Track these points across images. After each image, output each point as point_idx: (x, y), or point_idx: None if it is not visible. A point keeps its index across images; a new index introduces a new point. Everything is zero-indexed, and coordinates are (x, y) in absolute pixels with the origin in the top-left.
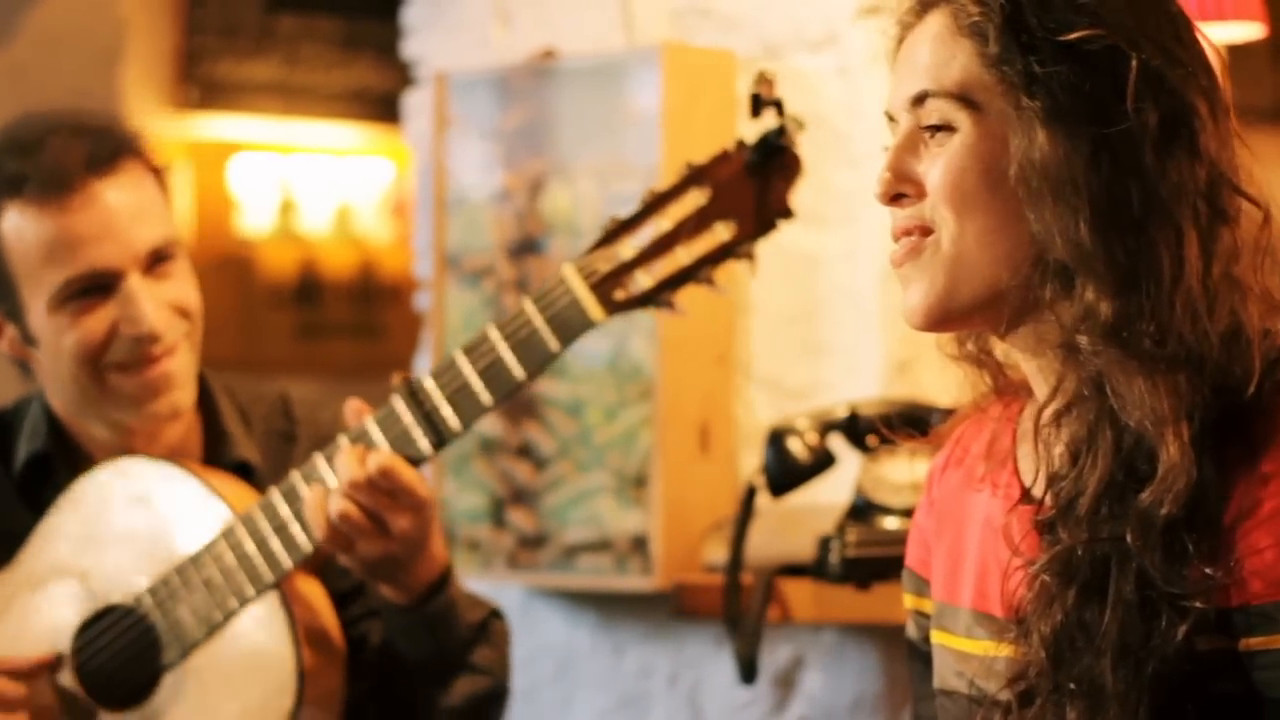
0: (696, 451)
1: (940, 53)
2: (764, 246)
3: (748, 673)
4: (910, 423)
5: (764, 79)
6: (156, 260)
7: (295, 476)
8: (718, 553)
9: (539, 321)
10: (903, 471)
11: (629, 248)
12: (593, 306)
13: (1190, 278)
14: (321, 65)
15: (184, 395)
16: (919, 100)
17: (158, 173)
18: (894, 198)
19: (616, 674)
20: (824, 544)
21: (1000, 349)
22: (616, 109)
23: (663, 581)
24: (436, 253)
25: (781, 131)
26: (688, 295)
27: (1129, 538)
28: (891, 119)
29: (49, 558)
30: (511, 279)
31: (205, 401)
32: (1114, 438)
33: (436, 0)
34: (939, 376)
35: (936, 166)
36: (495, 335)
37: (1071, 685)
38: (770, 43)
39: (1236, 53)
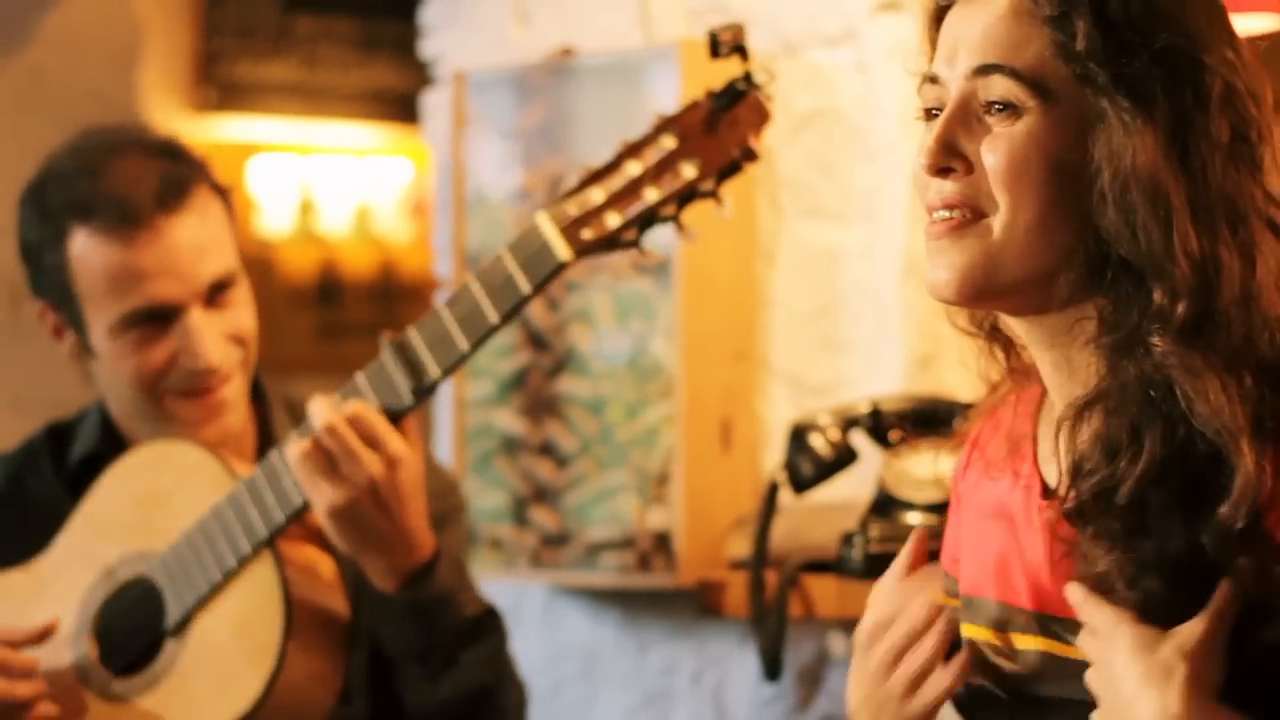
0: (718, 448)
1: (1014, 31)
2: (785, 242)
3: (772, 669)
4: (932, 418)
5: (731, 25)
6: (216, 291)
7: (292, 435)
8: (740, 549)
9: (513, 266)
10: (925, 467)
11: (600, 192)
12: (561, 247)
13: (1259, 285)
14: (340, 65)
15: (235, 419)
16: (984, 71)
17: (223, 195)
18: (939, 171)
19: (640, 672)
20: (847, 540)
21: (1014, 331)
22: (635, 106)
23: (686, 579)
24: (456, 252)
25: (747, 78)
26: (706, 293)
27: (1210, 549)
28: (933, 80)
29: (76, 544)
30: None
31: (260, 409)
32: (1165, 434)
33: None
34: (960, 372)
35: (997, 150)
36: (474, 284)
37: None
38: (788, 38)
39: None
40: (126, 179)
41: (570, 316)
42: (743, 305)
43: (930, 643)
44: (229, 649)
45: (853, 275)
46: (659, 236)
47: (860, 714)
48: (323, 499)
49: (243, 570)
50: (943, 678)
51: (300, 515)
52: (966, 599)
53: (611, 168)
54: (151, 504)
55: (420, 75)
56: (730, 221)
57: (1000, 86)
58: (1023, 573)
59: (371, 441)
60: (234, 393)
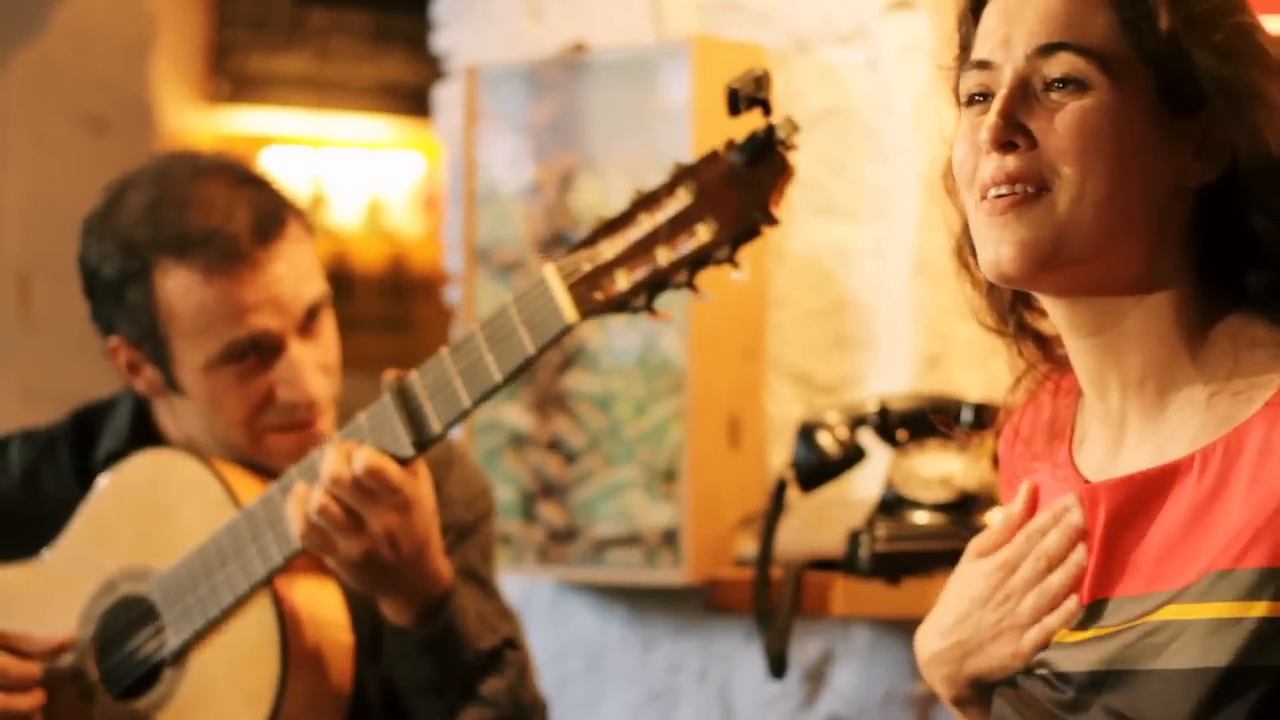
0: (726, 445)
1: (1077, 10)
2: (794, 241)
3: (777, 668)
4: (940, 417)
5: (752, 76)
6: (310, 318)
7: (293, 471)
8: (748, 547)
9: (517, 322)
10: (933, 466)
11: (611, 248)
12: (568, 308)
13: None
14: (352, 58)
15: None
16: (1047, 51)
17: (304, 217)
18: (1003, 145)
19: (646, 668)
20: (854, 538)
21: (1047, 322)
22: (646, 103)
23: (693, 576)
24: (467, 246)
25: (771, 132)
26: (716, 290)
27: None
28: (981, 66)
29: (80, 549)
30: None
31: None
32: None
33: None
34: (969, 371)
35: (1066, 123)
36: (478, 334)
37: None
38: (799, 36)
39: None
40: (218, 210)
41: None
42: (752, 303)
43: (1066, 575)
44: (226, 687)
45: (863, 274)
46: None
47: (954, 634)
48: (336, 556)
49: (239, 608)
50: (1068, 607)
51: (299, 555)
52: None
53: (625, 220)
54: (153, 518)
55: (432, 69)
56: None
57: (1064, 64)
58: None
59: (386, 492)
60: (328, 426)
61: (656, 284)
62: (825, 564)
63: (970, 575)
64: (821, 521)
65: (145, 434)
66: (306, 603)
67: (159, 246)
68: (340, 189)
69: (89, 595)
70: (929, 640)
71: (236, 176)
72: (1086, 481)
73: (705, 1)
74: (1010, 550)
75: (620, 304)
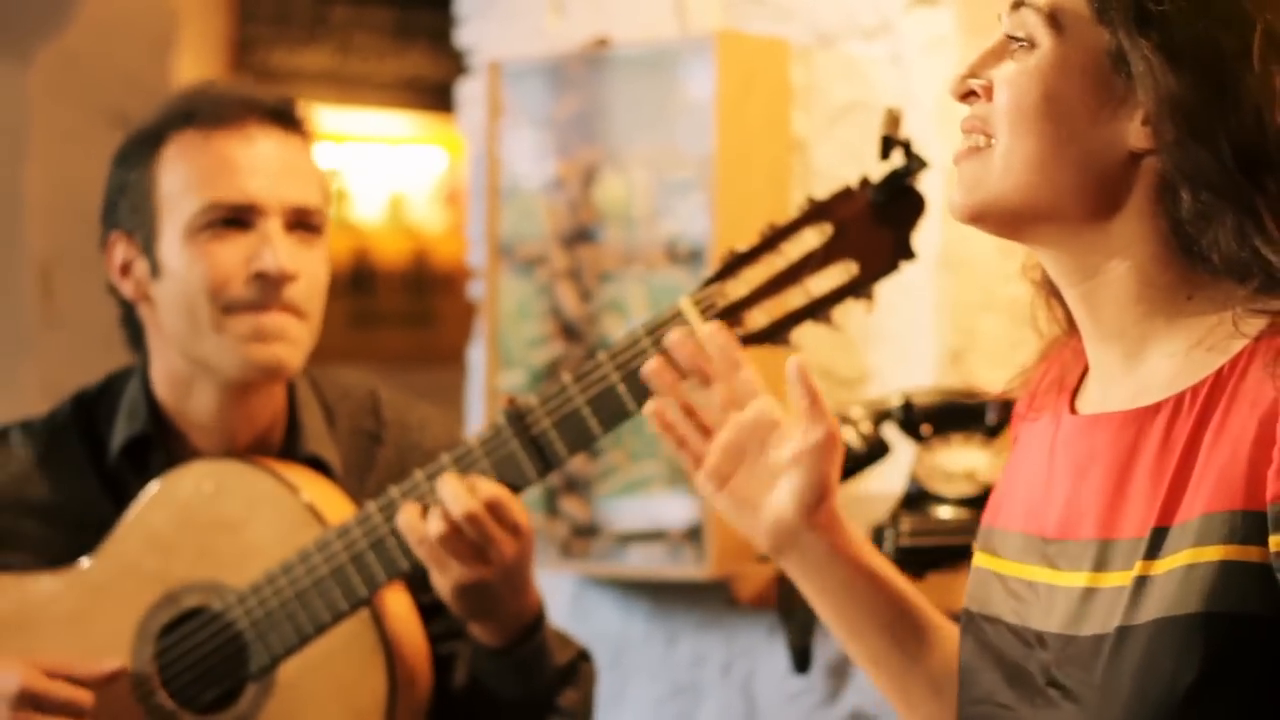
0: None
1: None
2: None
3: (801, 662)
4: (963, 412)
5: (892, 117)
6: (302, 222)
7: (394, 492)
8: None
9: (653, 355)
10: (957, 461)
11: (744, 283)
12: None
13: None
14: (374, 54)
15: (292, 356)
16: (1014, 7)
17: (316, 151)
18: (965, 96)
19: (669, 663)
20: (878, 533)
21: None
22: (670, 98)
23: (716, 571)
24: (489, 242)
25: (908, 170)
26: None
27: None
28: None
29: (132, 557)
30: (564, 268)
31: (289, 392)
32: None
33: None
34: (992, 366)
35: (1002, 83)
36: (607, 363)
37: None
38: (823, 30)
39: None
40: (230, 94)
41: (603, 307)
42: None
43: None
44: (327, 706)
45: None
46: (677, 219)
47: None
48: (450, 579)
49: (336, 625)
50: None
51: (403, 577)
52: (989, 530)
53: (757, 254)
54: (218, 530)
55: (455, 64)
56: (764, 211)
57: (1021, 21)
58: (1049, 504)
59: (508, 526)
60: (296, 330)
61: (798, 319)
62: None
63: None
64: (845, 516)
65: (159, 413)
66: (394, 611)
67: (170, 124)
68: (362, 184)
69: (146, 607)
70: None
71: (263, 92)
72: (1072, 413)
73: None
74: None
75: (759, 339)
